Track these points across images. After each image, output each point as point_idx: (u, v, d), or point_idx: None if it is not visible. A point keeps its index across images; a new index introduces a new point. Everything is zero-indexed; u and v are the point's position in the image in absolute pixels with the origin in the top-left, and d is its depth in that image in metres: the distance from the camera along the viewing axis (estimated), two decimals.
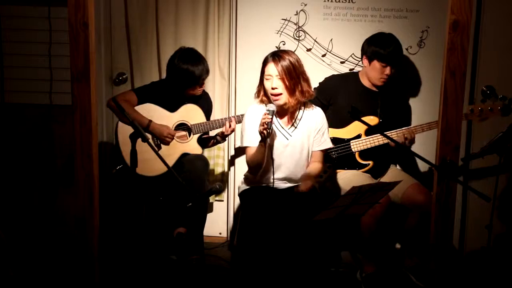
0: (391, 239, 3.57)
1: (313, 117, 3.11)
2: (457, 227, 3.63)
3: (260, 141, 2.92)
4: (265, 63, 2.99)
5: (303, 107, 3.11)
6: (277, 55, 2.95)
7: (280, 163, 3.06)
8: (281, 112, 3.06)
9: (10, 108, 3.72)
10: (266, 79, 2.97)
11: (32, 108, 3.70)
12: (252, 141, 3.02)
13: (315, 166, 3.12)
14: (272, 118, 2.86)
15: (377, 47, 3.23)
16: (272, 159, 3.02)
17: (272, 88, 2.93)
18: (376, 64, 3.25)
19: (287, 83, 2.92)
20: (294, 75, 2.93)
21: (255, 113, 3.05)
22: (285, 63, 2.92)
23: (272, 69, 2.93)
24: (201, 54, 3.45)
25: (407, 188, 3.21)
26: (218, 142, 3.53)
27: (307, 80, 3.00)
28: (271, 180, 3.06)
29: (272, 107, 2.90)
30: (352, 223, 3.18)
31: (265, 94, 3.02)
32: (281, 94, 2.94)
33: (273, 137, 3.01)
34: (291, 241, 2.99)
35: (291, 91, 2.93)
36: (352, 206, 2.51)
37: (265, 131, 2.84)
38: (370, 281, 3.15)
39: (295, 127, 3.08)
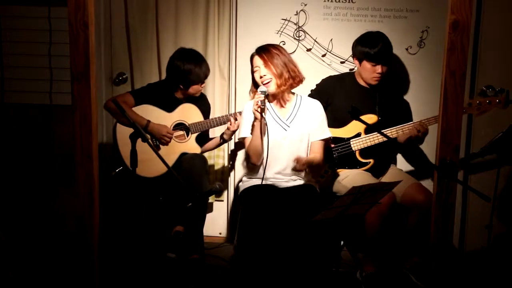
0: (391, 239, 3.57)
1: (312, 107, 3.16)
2: (457, 227, 3.63)
3: (255, 121, 3.00)
4: (251, 59, 3.13)
5: (300, 98, 3.17)
6: (259, 48, 3.12)
7: (279, 156, 3.09)
8: (276, 100, 3.15)
9: (10, 108, 3.72)
10: (255, 71, 3.10)
11: (32, 108, 3.70)
12: (250, 131, 3.09)
13: (315, 156, 3.14)
14: (264, 99, 2.97)
15: (365, 47, 3.24)
16: (268, 152, 3.04)
17: (261, 77, 3.05)
18: (366, 64, 3.26)
19: (273, 70, 3.04)
20: (280, 61, 3.05)
21: (251, 107, 3.09)
22: (268, 51, 3.08)
23: (257, 60, 3.08)
24: (201, 54, 3.47)
25: (407, 188, 3.21)
26: (225, 141, 3.53)
27: (295, 66, 3.11)
28: (270, 174, 3.10)
29: (263, 88, 3.02)
30: (354, 222, 3.18)
31: (257, 88, 3.07)
32: (270, 80, 3.05)
33: (266, 129, 3.03)
34: (291, 240, 2.99)
35: (279, 76, 3.04)
36: (352, 206, 2.51)
37: (259, 109, 2.94)
38: (370, 281, 3.15)
39: (293, 118, 3.12)
